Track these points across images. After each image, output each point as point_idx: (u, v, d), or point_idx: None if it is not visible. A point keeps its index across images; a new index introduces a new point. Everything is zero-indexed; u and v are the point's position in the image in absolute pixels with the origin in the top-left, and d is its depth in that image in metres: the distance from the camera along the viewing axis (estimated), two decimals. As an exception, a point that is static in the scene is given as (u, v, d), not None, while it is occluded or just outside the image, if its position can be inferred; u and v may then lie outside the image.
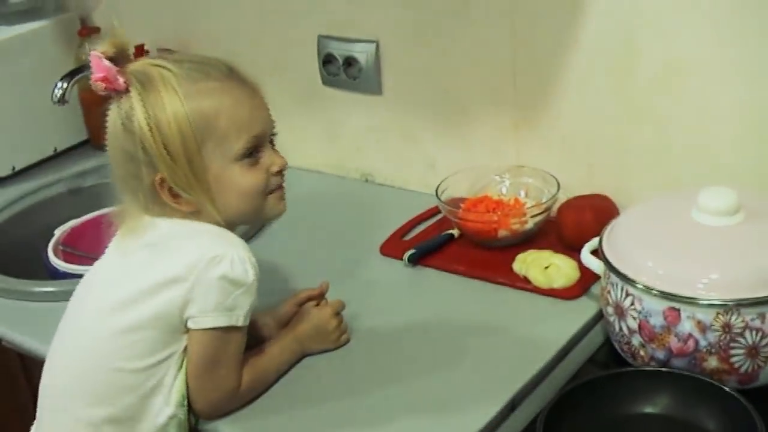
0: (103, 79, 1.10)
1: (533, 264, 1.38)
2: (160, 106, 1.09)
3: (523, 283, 1.38)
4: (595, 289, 1.34)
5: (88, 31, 1.95)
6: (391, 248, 1.51)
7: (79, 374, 1.15)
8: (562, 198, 1.47)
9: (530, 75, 1.49)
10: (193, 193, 1.12)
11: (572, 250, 1.41)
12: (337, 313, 1.28)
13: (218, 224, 1.15)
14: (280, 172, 1.18)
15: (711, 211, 1.15)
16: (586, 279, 1.35)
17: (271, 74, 1.79)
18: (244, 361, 1.17)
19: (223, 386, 1.15)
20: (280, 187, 1.19)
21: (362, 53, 1.65)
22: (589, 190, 1.47)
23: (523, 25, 1.47)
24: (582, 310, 1.31)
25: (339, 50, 1.68)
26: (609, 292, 1.18)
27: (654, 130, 1.40)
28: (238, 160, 1.13)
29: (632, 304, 1.14)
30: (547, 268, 1.38)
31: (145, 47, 1.89)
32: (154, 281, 1.11)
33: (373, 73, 1.66)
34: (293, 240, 1.60)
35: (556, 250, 1.41)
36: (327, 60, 1.70)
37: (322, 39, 1.70)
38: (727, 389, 1.06)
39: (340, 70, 1.69)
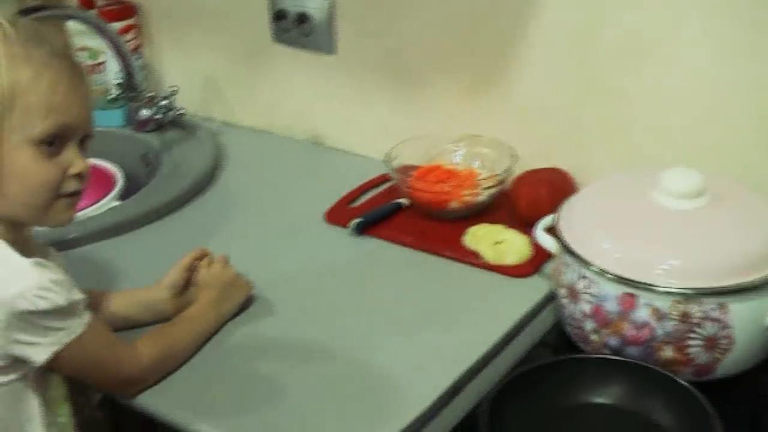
0: None
1: (484, 238, 1.32)
2: None
3: (473, 258, 1.31)
4: (548, 268, 1.28)
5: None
6: (337, 215, 1.44)
7: None
8: (518, 171, 1.41)
9: (489, 40, 1.43)
10: None
11: (526, 225, 1.35)
12: (227, 263, 1.23)
13: None
14: (80, 177, 1.01)
15: (674, 194, 1.09)
16: (539, 257, 1.29)
17: (218, 29, 1.72)
18: (152, 331, 1.11)
19: (121, 371, 1.07)
20: (75, 194, 1.02)
21: (316, 9, 1.57)
22: (546, 164, 1.41)
23: (484, -13, 1.39)
24: (532, 290, 1.25)
25: (292, 5, 1.60)
26: (563, 273, 1.12)
27: (614, 105, 1.34)
28: (35, 144, 0.97)
29: (587, 287, 1.08)
30: (498, 243, 1.31)
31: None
32: None
33: (326, 31, 1.58)
34: (235, 201, 1.53)
35: (509, 226, 1.35)
36: (279, 15, 1.61)
37: (274, -8, 1.61)
38: (681, 382, 1.00)
39: (293, 27, 1.60)
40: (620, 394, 1.03)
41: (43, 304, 0.95)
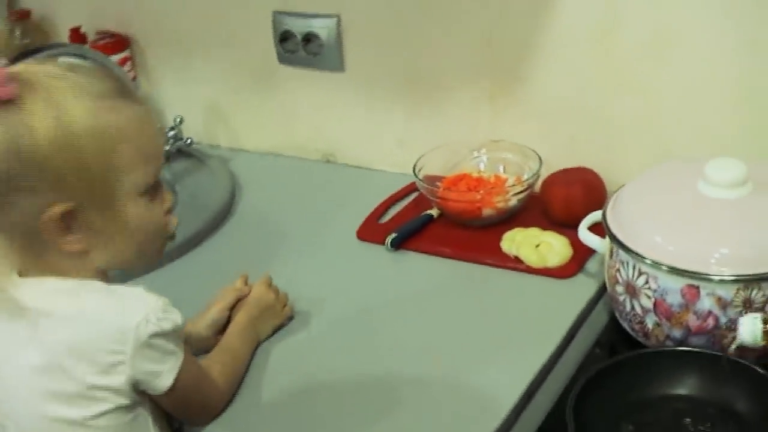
0: None
1: (524, 243, 1.33)
2: (69, 118, 0.90)
3: (515, 264, 1.32)
4: (590, 265, 1.30)
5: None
6: (369, 232, 1.45)
7: None
8: (543, 173, 1.42)
9: (506, 43, 1.44)
10: (101, 225, 0.95)
11: (560, 226, 1.37)
12: (270, 286, 1.23)
13: (97, 272, 0.98)
14: (172, 212, 1.03)
15: (719, 184, 1.11)
16: (580, 256, 1.31)
17: (223, 54, 1.71)
18: (213, 363, 1.10)
19: (208, 402, 1.08)
20: (174, 234, 1.04)
21: (323, 29, 1.58)
22: (571, 164, 1.43)
23: (498, -11, 1.41)
24: (581, 289, 1.26)
25: (297, 26, 1.60)
26: (618, 270, 1.14)
27: (640, 99, 1.36)
28: (142, 193, 0.97)
29: (646, 282, 1.10)
30: (537, 246, 1.33)
31: (82, 30, 1.78)
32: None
33: (334, 50, 1.58)
34: (259, 227, 1.52)
35: (544, 228, 1.37)
36: (284, 37, 1.62)
37: (277, 15, 1.61)
38: (759, 370, 1.02)
39: (299, 47, 1.61)
40: (698, 385, 1.05)
41: (167, 325, 0.96)
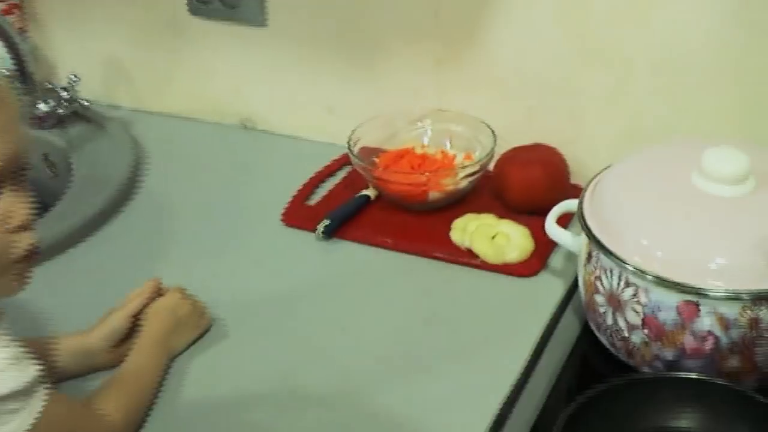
0: None
1: (477, 234, 1.15)
2: None
3: (468, 258, 1.15)
4: (555, 260, 1.14)
5: None
6: (296, 217, 1.25)
7: None
8: (498, 150, 1.24)
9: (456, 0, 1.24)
10: None
11: (517, 212, 1.20)
12: (185, 294, 1.04)
13: None
14: (26, 229, 0.78)
15: (718, 178, 0.95)
16: (542, 248, 1.14)
17: (126, 5, 1.47)
18: (108, 389, 0.91)
19: None
20: (30, 255, 0.79)
21: (242, -25, 1.36)
22: (529, 140, 1.25)
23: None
24: (547, 290, 1.10)
25: (211, -28, 1.38)
26: (599, 278, 0.97)
27: (609, 67, 1.19)
28: None
29: (634, 295, 0.93)
30: (494, 237, 1.15)
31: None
32: None
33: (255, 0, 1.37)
34: (167, 206, 1.31)
35: (499, 214, 1.19)
36: (197, -16, 1.39)
37: (190, -42, 1.39)
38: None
39: (214, -4, 1.39)
40: (700, 417, 0.90)
41: (5, 389, 0.76)
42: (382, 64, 1.33)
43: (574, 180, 1.22)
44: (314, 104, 1.41)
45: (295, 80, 1.41)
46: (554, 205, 1.11)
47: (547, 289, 1.10)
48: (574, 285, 1.08)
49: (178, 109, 1.52)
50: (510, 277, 1.12)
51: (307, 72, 1.39)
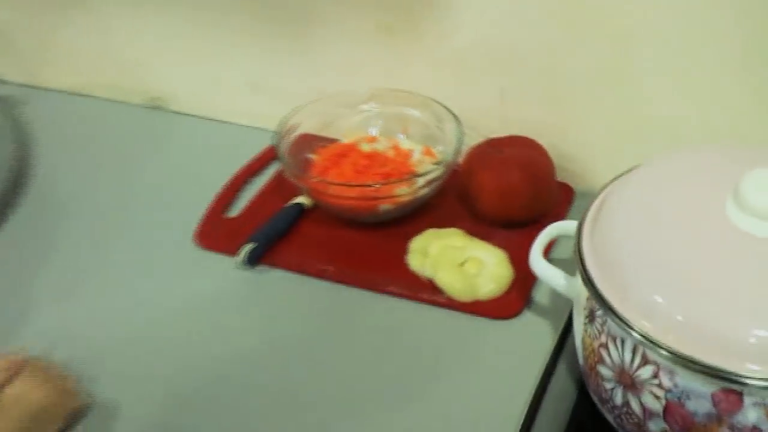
0: None
1: (442, 260, 0.91)
2: None
3: (430, 293, 0.90)
4: (539, 295, 0.90)
5: None
6: (212, 236, 1.00)
7: None
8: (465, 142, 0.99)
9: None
10: None
11: (490, 225, 0.96)
12: (44, 375, 0.79)
13: None
14: None
15: (761, 213, 0.71)
16: (523, 278, 0.90)
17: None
18: None
19: None
20: None
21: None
22: (500, 129, 1.00)
23: None
24: (533, 338, 0.86)
25: None
26: (605, 346, 0.73)
27: (601, 43, 0.93)
28: None
29: (655, 376, 0.69)
30: (462, 264, 0.91)
31: None
32: None
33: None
34: (53, 215, 1.05)
35: (467, 229, 0.95)
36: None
37: None
38: None
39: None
40: None
41: None
42: (316, 31, 1.06)
43: (560, 177, 0.98)
44: (234, 81, 1.15)
45: (210, 52, 1.14)
46: (537, 214, 0.90)
47: (534, 336, 0.86)
48: (568, 327, 0.84)
49: (74, 84, 1.26)
50: (485, 320, 0.88)
51: (224, 43, 1.13)
